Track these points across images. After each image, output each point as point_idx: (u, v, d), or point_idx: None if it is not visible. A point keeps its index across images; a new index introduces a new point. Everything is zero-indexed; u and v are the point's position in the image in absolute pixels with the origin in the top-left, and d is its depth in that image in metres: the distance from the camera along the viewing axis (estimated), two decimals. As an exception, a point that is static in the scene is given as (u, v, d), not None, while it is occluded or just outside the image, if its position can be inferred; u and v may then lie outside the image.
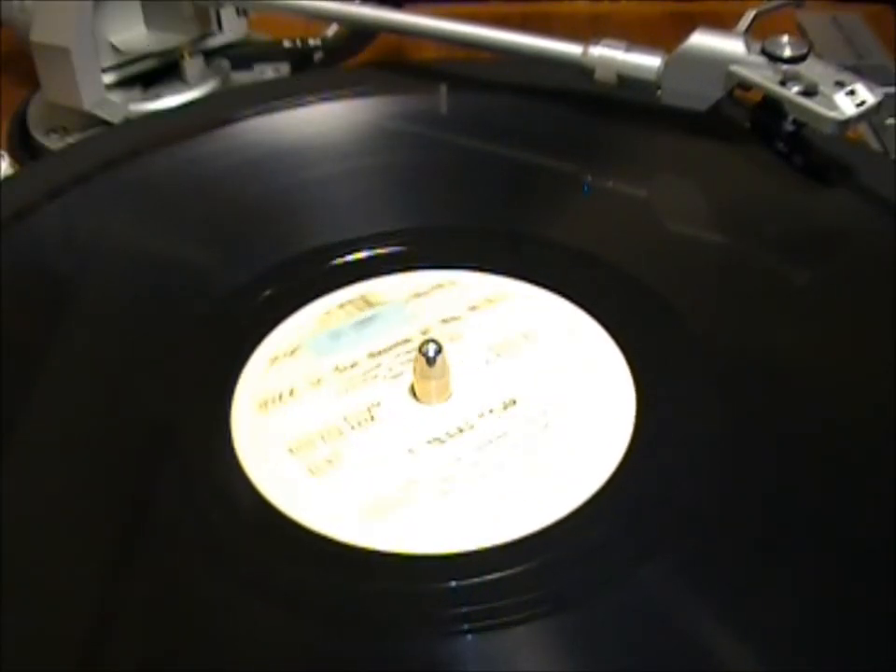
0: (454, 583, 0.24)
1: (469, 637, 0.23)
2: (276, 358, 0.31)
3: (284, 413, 0.29)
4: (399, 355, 0.30)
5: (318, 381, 0.30)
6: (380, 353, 0.31)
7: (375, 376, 0.30)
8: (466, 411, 0.29)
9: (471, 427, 0.28)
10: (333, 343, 0.31)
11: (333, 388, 0.30)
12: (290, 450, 0.28)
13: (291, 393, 0.29)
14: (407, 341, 0.31)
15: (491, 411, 0.29)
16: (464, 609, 0.24)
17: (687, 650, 0.23)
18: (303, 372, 0.30)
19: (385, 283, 0.33)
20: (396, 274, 0.34)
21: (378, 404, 0.29)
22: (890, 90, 0.46)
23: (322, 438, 0.28)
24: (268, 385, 0.30)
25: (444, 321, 0.32)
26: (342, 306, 0.32)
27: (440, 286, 0.33)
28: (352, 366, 0.30)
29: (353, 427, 0.28)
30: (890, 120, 0.44)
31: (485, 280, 0.33)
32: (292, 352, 0.31)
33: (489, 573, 0.24)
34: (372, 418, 0.29)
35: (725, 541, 0.25)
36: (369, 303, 0.32)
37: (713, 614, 0.23)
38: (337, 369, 0.30)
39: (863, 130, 0.44)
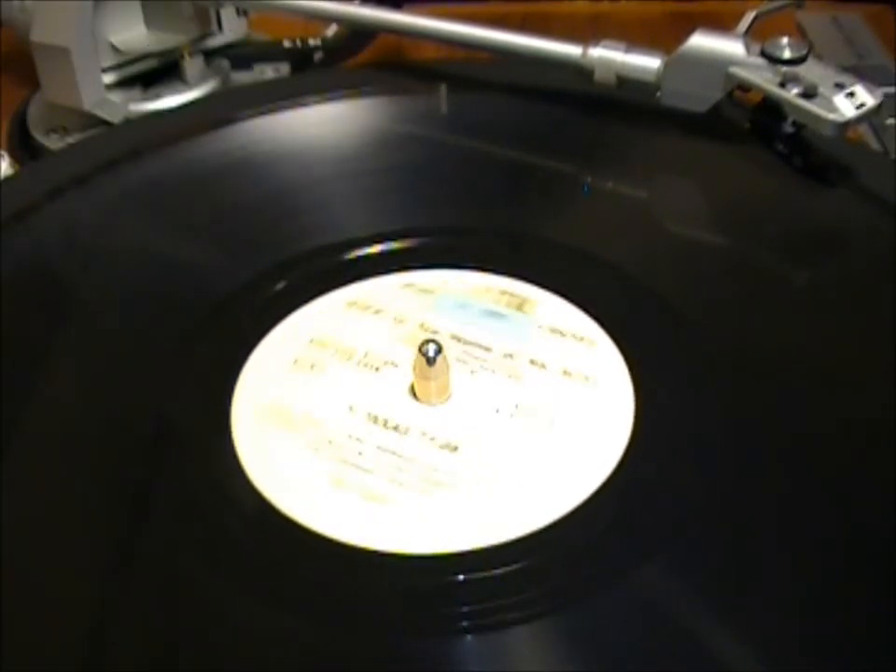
0: (452, 583, 0.24)
1: (469, 636, 0.23)
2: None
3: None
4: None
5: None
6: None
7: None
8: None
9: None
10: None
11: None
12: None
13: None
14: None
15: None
16: (462, 609, 0.24)
17: (687, 649, 0.23)
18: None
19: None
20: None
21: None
22: (890, 90, 0.46)
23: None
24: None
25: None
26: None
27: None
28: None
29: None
30: (890, 120, 0.44)
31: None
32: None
33: (488, 573, 0.24)
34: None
35: (725, 541, 0.25)
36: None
37: (713, 614, 0.23)
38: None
39: (863, 130, 0.44)
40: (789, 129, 0.37)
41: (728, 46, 0.36)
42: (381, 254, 0.34)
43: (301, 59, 0.48)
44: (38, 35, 0.42)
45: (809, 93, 0.34)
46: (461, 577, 0.24)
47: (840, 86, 0.35)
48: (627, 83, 0.38)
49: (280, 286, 0.33)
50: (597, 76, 0.38)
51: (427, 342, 0.28)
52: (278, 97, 0.42)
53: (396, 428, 0.28)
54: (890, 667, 0.22)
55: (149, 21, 0.46)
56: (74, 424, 0.29)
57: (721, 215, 0.37)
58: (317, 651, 0.23)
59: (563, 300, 0.32)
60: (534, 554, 0.25)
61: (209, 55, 0.47)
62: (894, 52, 0.51)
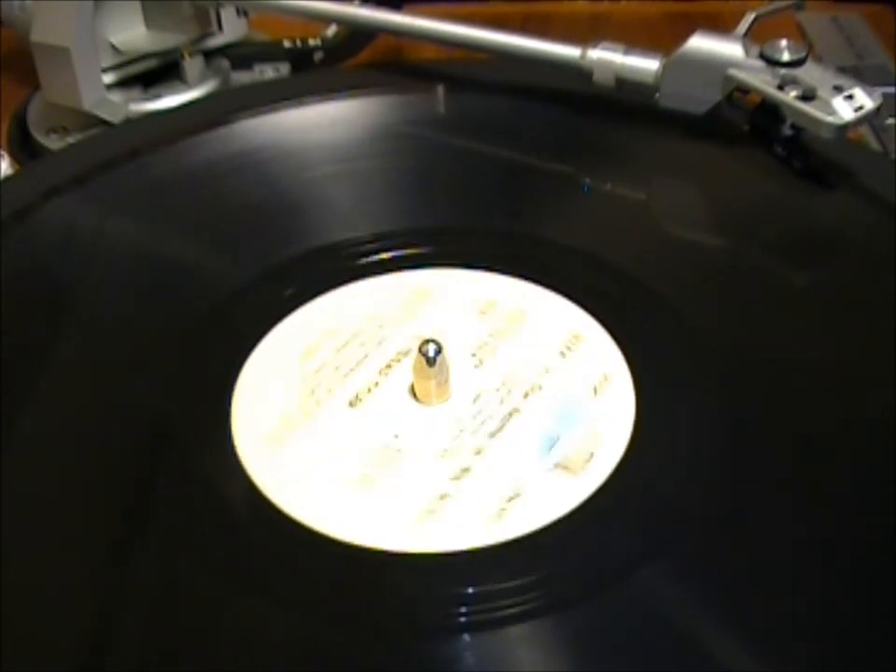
0: (452, 583, 0.24)
1: (468, 636, 0.23)
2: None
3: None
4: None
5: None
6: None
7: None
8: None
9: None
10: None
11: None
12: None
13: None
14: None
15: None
16: (462, 609, 0.24)
17: (687, 650, 0.23)
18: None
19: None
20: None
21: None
22: (890, 89, 0.46)
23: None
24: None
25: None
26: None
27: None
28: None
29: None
30: (890, 120, 0.44)
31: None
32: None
33: (488, 572, 0.24)
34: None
35: (725, 541, 0.25)
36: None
37: (713, 614, 0.23)
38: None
39: (864, 130, 0.44)
40: (788, 131, 0.37)
41: (727, 48, 0.36)
42: (380, 254, 0.34)
43: (300, 59, 0.48)
44: (38, 35, 0.42)
45: (808, 96, 0.34)
46: (461, 577, 0.24)
47: (839, 88, 0.35)
48: (626, 85, 0.38)
49: (280, 285, 0.33)
50: (596, 77, 0.38)
51: (427, 342, 0.28)
52: (278, 97, 0.42)
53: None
54: (890, 667, 0.22)
55: (149, 21, 0.46)
56: (73, 424, 0.29)
57: (720, 216, 0.37)
58: (317, 651, 0.23)
59: (563, 299, 0.32)
60: (534, 555, 0.25)
61: (209, 55, 0.47)
62: (894, 52, 0.51)
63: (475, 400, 0.29)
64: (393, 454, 0.28)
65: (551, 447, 0.28)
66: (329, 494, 0.27)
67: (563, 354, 0.30)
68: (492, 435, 0.28)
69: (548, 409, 0.29)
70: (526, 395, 0.29)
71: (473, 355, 0.31)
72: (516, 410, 0.29)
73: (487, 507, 0.26)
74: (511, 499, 0.26)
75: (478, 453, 0.28)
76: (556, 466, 0.27)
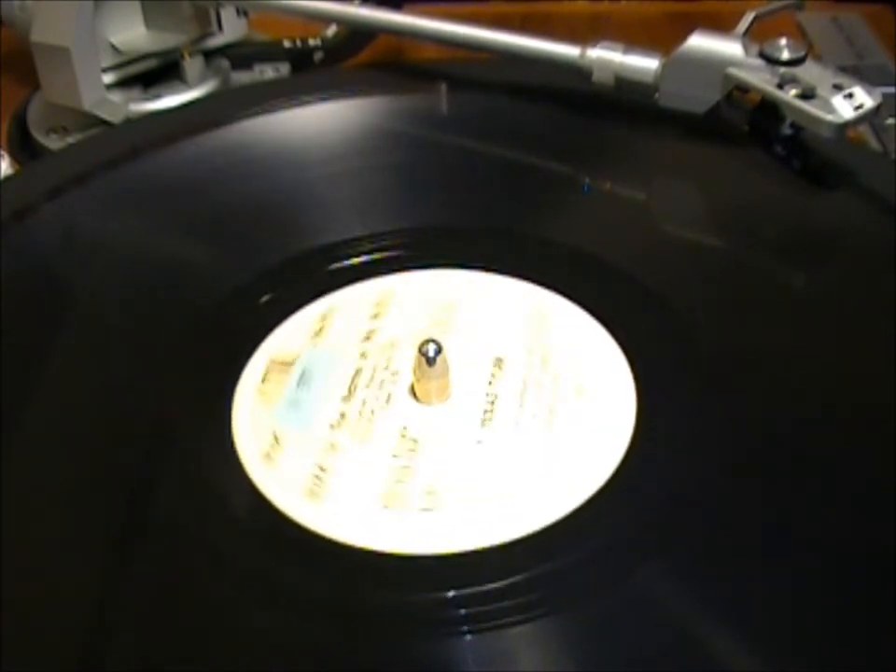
0: (452, 584, 0.24)
1: (468, 637, 0.23)
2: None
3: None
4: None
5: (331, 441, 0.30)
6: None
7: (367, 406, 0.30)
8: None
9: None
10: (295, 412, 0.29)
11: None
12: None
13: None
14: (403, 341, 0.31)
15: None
16: (462, 610, 0.24)
17: (687, 650, 0.23)
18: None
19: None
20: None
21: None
22: (890, 89, 0.46)
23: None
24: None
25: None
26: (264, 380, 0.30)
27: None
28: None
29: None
30: (890, 120, 0.44)
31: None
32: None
33: (488, 573, 0.24)
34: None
35: (725, 541, 0.25)
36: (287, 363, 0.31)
37: (713, 614, 0.23)
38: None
39: (864, 130, 0.44)
40: (787, 130, 0.37)
41: (726, 47, 0.36)
42: (380, 254, 0.34)
43: (300, 59, 0.48)
44: (38, 35, 0.42)
45: (808, 94, 0.34)
46: (461, 578, 0.24)
47: (838, 87, 0.35)
48: (625, 84, 0.38)
49: (279, 285, 0.33)
50: (596, 76, 0.38)
51: (427, 341, 0.28)
52: (278, 97, 0.42)
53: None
54: (890, 667, 0.22)
55: (149, 21, 0.46)
56: (73, 424, 0.29)
57: (720, 216, 0.37)
58: (317, 651, 0.23)
59: (563, 298, 0.32)
60: (534, 556, 0.25)
61: (209, 55, 0.47)
62: (894, 52, 0.51)
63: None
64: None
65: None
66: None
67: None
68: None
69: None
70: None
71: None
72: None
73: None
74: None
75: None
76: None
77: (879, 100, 0.35)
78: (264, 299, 0.33)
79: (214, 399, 0.29)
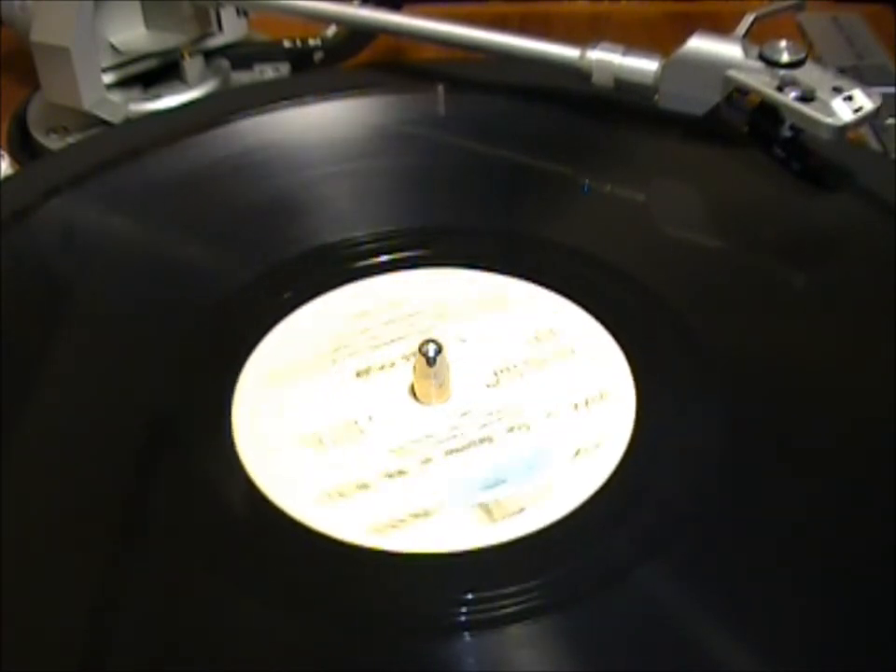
0: (453, 583, 0.24)
1: (468, 637, 0.23)
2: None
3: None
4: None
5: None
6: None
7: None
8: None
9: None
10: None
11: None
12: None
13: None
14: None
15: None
16: (462, 610, 0.24)
17: (687, 649, 0.23)
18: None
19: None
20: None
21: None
22: (890, 90, 0.46)
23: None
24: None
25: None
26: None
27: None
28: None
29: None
30: (890, 121, 0.44)
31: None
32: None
33: (488, 573, 0.24)
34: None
35: (724, 541, 0.25)
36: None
37: (712, 614, 0.23)
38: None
39: (864, 130, 0.44)
40: (787, 132, 0.37)
41: (726, 49, 0.36)
42: (380, 254, 0.34)
43: (300, 59, 0.48)
44: (38, 35, 0.42)
45: (807, 97, 0.34)
46: (461, 577, 0.24)
47: (838, 89, 0.35)
48: (625, 86, 0.38)
49: (280, 285, 0.33)
50: (595, 78, 0.38)
51: (427, 341, 0.28)
52: (278, 97, 0.42)
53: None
54: (890, 667, 0.22)
55: (149, 21, 0.46)
56: (73, 424, 0.29)
57: (719, 217, 0.37)
58: (317, 651, 0.23)
59: (563, 298, 0.32)
60: (534, 555, 0.25)
61: (209, 55, 0.47)
62: (894, 52, 0.51)
63: (474, 401, 0.29)
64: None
65: (491, 487, 0.27)
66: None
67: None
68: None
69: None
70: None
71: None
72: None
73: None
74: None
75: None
76: (479, 505, 0.26)
77: (879, 102, 0.35)
78: (264, 298, 0.33)
79: (214, 399, 0.29)
